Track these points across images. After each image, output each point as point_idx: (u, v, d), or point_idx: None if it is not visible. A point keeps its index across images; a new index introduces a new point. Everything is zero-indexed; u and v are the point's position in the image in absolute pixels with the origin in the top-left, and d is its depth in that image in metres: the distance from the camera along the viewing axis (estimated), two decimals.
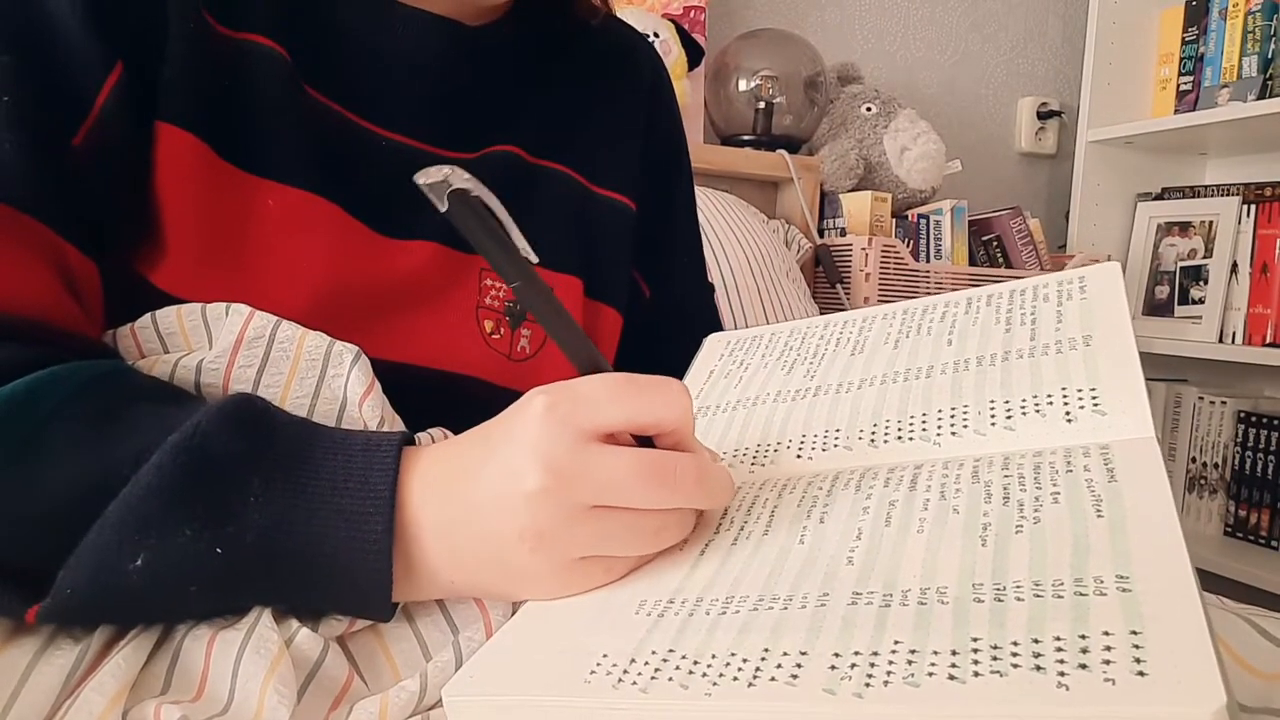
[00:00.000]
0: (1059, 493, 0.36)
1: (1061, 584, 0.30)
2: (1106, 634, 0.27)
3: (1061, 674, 0.26)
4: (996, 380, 0.46)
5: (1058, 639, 0.27)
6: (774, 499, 0.44)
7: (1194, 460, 2.02)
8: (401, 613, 0.41)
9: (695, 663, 0.31)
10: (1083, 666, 0.26)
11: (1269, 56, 1.86)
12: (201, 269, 0.50)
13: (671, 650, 0.32)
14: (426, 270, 0.58)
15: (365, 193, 0.56)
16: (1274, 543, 1.87)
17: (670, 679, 0.31)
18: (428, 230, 0.58)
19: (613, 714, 0.30)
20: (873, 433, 0.47)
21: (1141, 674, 0.25)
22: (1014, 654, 0.27)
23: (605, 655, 0.33)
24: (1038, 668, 0.26)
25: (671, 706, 0.30)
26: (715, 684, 0.30)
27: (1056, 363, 0.46)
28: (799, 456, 0.48)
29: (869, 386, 0.51)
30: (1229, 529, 1.95)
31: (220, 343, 0.47)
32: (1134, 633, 0.27)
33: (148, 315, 0.49)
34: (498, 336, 0.60)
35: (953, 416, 0.45)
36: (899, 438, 0.46)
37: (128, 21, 0.48)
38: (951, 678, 0.27)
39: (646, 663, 0.32)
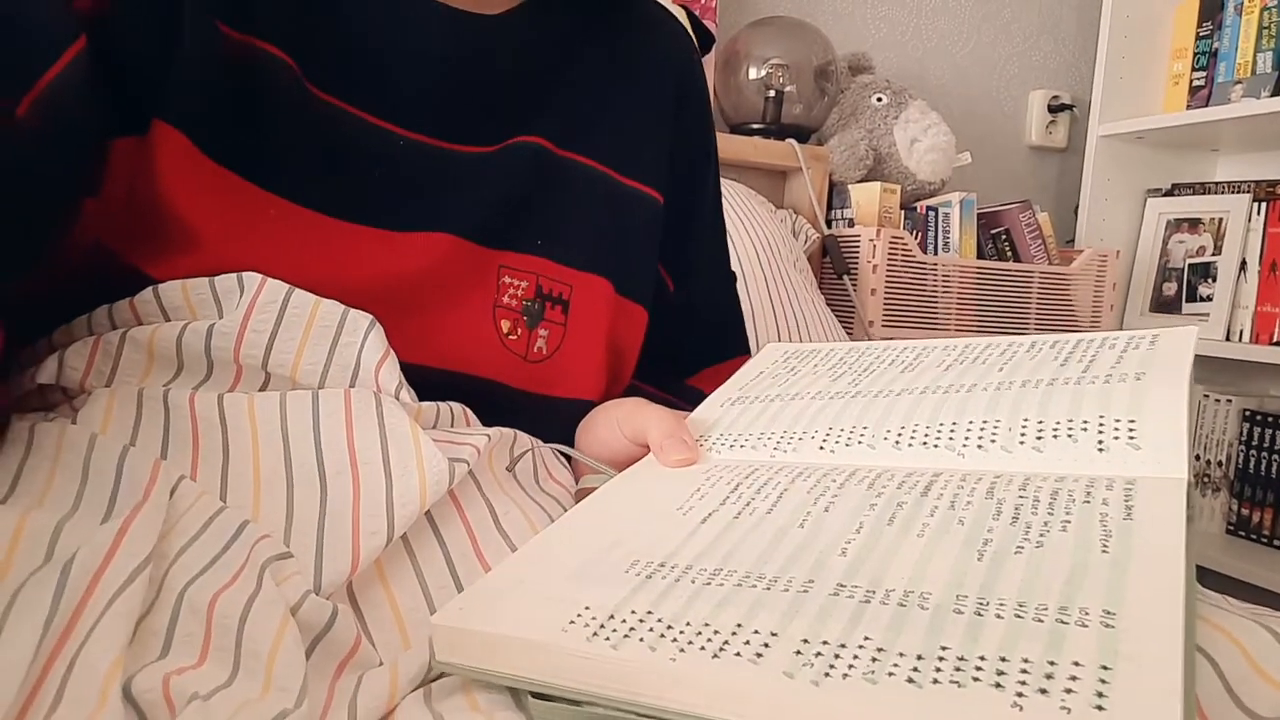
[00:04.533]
0: (1069, 521, 0.35)
1: (1045, 609, 0.30)
2: (1076, 664, 0.27)
3: (1020, 694, 0.26)
4: (1035, 401, 0.46)
5: (1025, 660, 0.27)
6: (786, 483, 0.44)
7: (1198, 458, 2.01)
8: (410, 570, 0.42)
9: (669, 627, 0.32)
10: (1043, 691, 0.26)
11: None
12: (203, 272, 0.49)
13: (650, 612, 0.33)
14: (444, 265, 0.56)
15: (379, 194, 0.55)
16: (1277, 541, 1.86)
17: (642, 639, 0.32)
18: (446, 223, 0.57)
19: (581, 662, 0.32)
20: (899, 435, 0.47)
21: (1100, 708, 0.25)
22: (978, 668, 0.27)
23: (587, 607, 0.34)
24: (998, 685, 0.27)
25: (636, 664, 0.31)
26: (683, 650, 0.31)
27: (1101, 392, 0.45)
28: (821, 448, 0.48)
29: (907, 395, 0.51)
30: (1232, 527, 1.95)
31: (230, 311, 0.47)
32: (1104, 668, 0.26)
33: (149, 289, 0.48)
34: (514, 337, 0.59)
35: (982, 429, 0.45)
36: (924, 443, 0.46)
37: (141, 15, 0.48)
38: (910, 681, 0.27)
39: (624, 620, 0.33)
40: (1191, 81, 2.04)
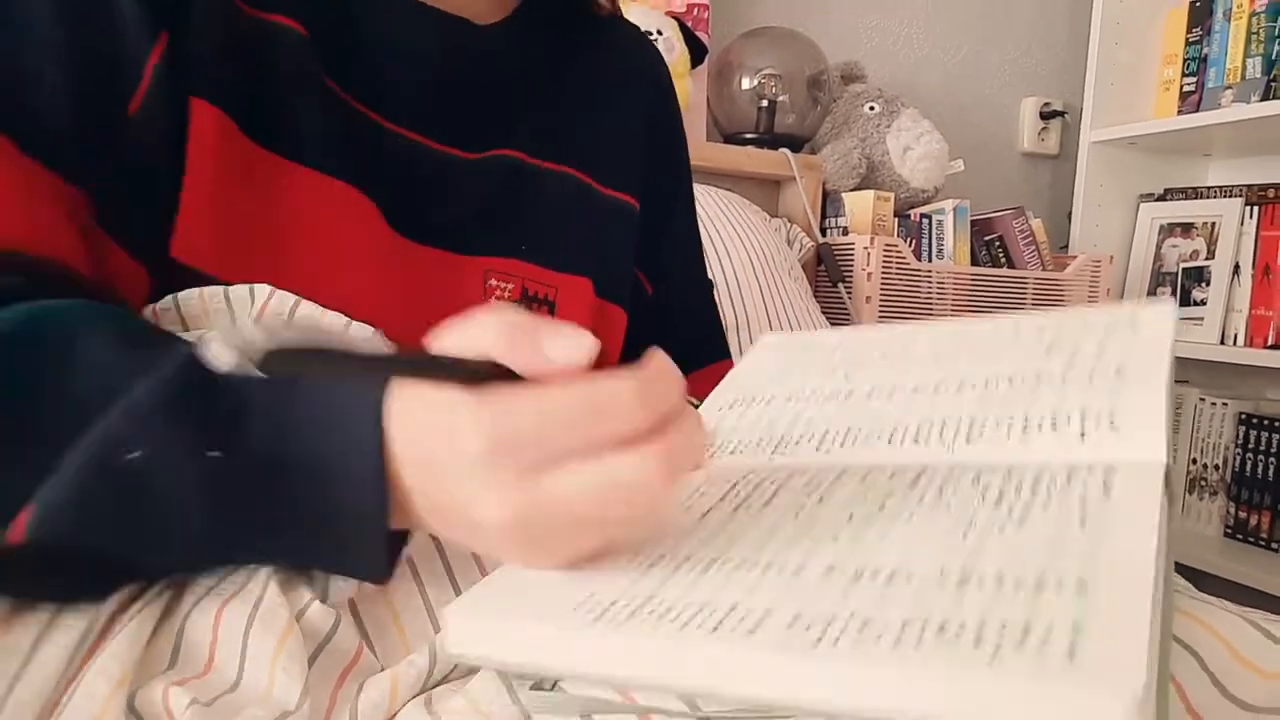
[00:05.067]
0: (1050, 501, 0.37)
1: (1023, 579, 0.32)
2: (1050, 625, 0.29)
3: (998, 648, 0.28)
4: (1022, 398, 0.48)
5: (1004, 622, 0.29)
6: (782, 479, 0.46)
7: (1194, 461, 2.02)
8: (411, 578, 0.42)
9: (669, 609, 0.33)
10: (1019, 647, 0.28)
11: (1273, 58, 1.86)
12: (218, 240, 0.51)
13: (651, 596, 0.34)
14: (431, 274, 0.58)
15: (379, 180, 0.56)
16: (1274, 545, 1.86)
17: (643, 620, 0.33)
18: (432, 234, 0.58)
19: (587, 644, 0.33)
20: (890, 435, 0.49)
21: (1071, 657, 0.27)
22: (959, 630, 0.29)
23: (591, 594, 0.35)
24: (977, 642, 0.28)
25: (639, 643, 0.32)
26: (683, 628, 0.32)
27: (1084, 386, 0.47)
28: (818, 450, 0.50)
29: (899, 394, 0.53)
30: (1229, 531, 1.95)
31: (243, 319, 0.48)
32: (1077, 627, 0.28)
33: (169, 297, 0.49)
34: None
35: (970, 426, 0.47)
36: (915, 441, 0.47)
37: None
38: (896, 644, 0.29)
39: (626, 605, 0.34)
40: (1182, 87, 2.05)
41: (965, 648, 0.28)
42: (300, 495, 0.36)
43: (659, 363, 0.36)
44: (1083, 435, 0.43)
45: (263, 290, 0.48)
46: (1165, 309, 0.51)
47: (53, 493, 0.35)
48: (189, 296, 0.49)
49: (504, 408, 0.33)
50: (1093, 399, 0.45)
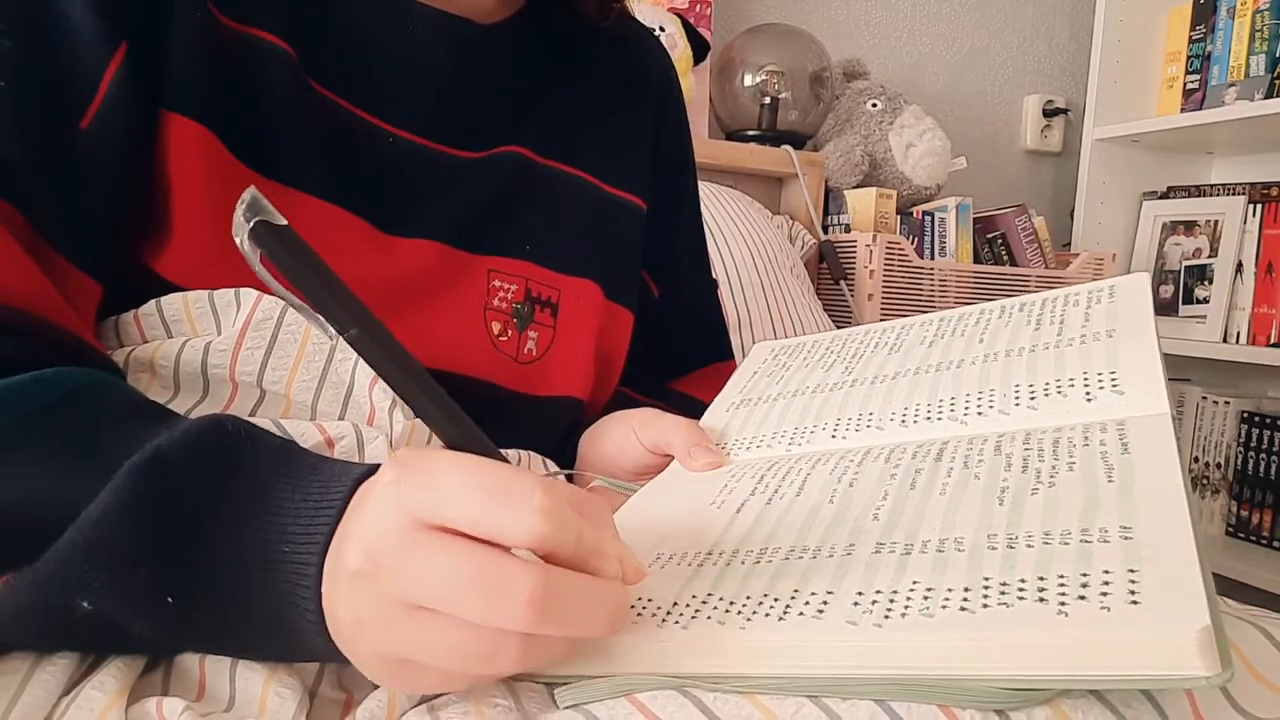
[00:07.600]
0: (1074, 462, 0.38)
1: (1069, 533, 0.33)
2: (1106, 572, 0.30)
3: (1062, 603, 0.29)
4: (1022, 367, 0.49)
5: (1061, 577, 0.30)
6: (808, 469, 0.46)
7: (1196, 460, 2.01)
8: None
9: (731, 603, 0.34)
10: (1082, 598, 0.29)
11: (1277, 56, 1.86)
12: (207, 260, 0.50)
13: (710, 594, 0.35)
14: (433, 270, 0.57)
15: (372, 190, 0.56)
16: (1276, 543, 1.86)
17: (709, 617, 0.33)
18: (433, 229, 0.58)
19: (658, 647, 0.33)
20: (904, 414, 0.49)
21: (1135, 603, 0.28)
22: (1020, 589, 0.30)
23: (650, 599, 0.35)
24: (1041, 599, 0.29)
25: (710, 639, 0.32)
26: (749, 620, 0.32)
27: (1080, 352, 0.48)
28: (834, 436, 0.51)
29: (903, 377, 0.54)
30: (1231, 529, 1.95)
31: (228, 327, 0.47)
32: (1131, 571, 0.29)
33: (152, 302, 0.49)
34: (505, 339, 0.60)
35: (980, 398, 0.48)
36: (928, 418, 0.48)
37: (132, 3, 0.48)
38: (963, 609, 0.30)
39: (688, 605, 0.34)
40: (1185, 84, 2.04)
41: (1030, 604, 0.29)
42: (256, 631, 0.36)
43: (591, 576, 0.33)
44: (1088, 398, 0.44)
45: (249, 295, 0.48)
46: (1139, 276, 0.54)
47: (7, 608, 0.34)
48: (171, 301, 0.49)
49: (396, 540, 0.31)
50: (1091, 362, 0.47)
